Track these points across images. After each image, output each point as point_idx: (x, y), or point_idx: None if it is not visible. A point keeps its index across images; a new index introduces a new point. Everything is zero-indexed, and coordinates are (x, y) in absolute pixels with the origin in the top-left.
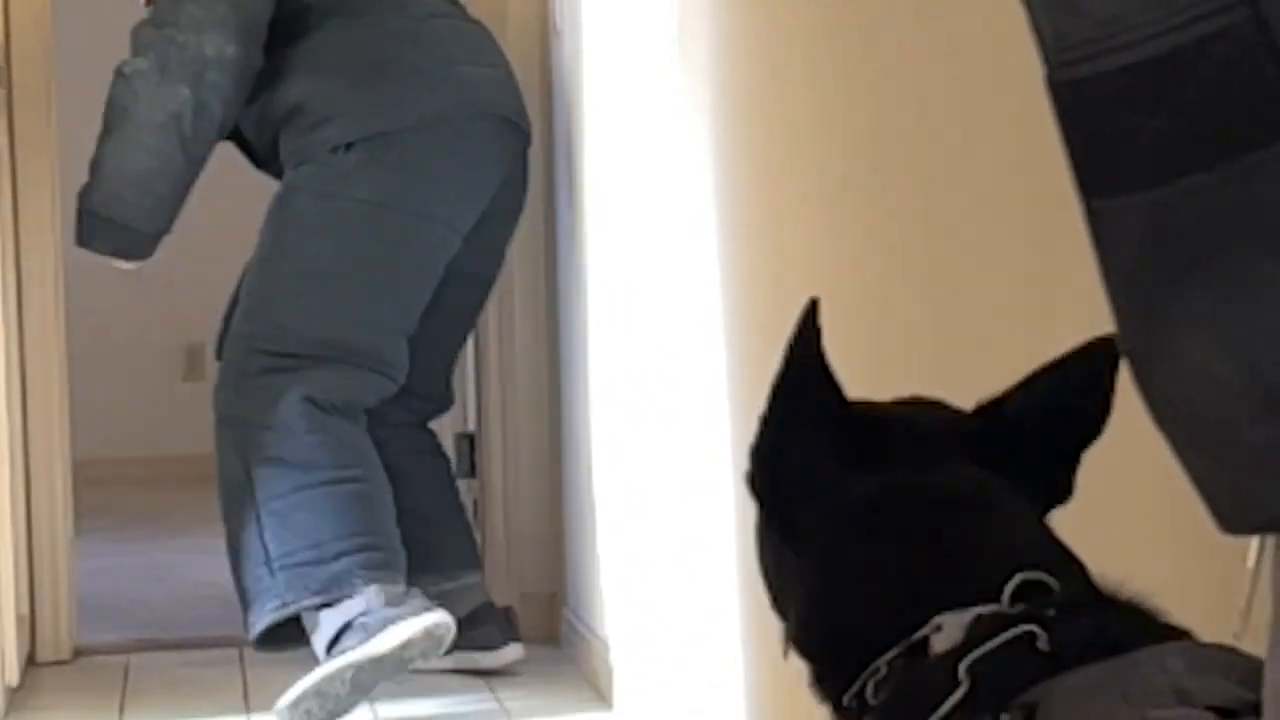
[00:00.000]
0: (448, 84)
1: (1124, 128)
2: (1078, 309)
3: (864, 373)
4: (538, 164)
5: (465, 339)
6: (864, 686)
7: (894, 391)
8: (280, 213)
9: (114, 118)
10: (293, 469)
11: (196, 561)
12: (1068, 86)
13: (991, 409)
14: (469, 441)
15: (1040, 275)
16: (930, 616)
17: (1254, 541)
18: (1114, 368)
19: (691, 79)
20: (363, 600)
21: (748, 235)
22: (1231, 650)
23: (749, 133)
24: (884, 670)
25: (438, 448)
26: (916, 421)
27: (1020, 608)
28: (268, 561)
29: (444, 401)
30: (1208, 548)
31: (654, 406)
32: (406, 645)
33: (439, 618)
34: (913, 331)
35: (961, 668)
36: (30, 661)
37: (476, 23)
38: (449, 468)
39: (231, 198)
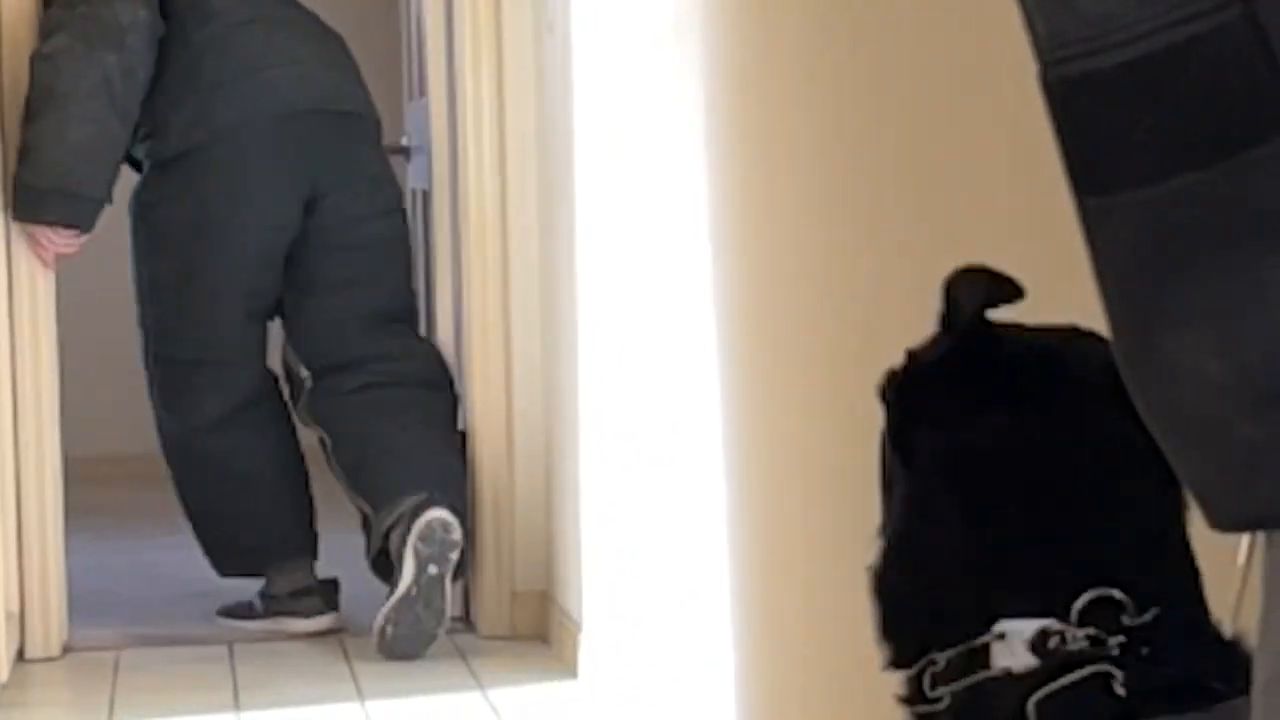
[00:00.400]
0: (250, 91)
1: (1117, 126)
2: (1072, 306)
3: (857, 369)
4: (531, 160)
5: (383, 297)
6: (921, 673)
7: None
8: (132, 227)
9: (40, 99)
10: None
11: (186, 559)
12: (1061, 84)
13: None
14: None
15: (1036, 274)
16: (995, 610)
17: (1244, 540)
18: None
19: (684, 75)
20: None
21: (740, 232)
22: None
23: (742, 128)
24: (942, 665)
25: (397, 385)
26: (1063, 357)
27: (1089, 632)
28: None
29: (381, 354)
30: (1202, 548)
31: (646, 405)
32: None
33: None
34: (907, 329)
35: (1030, 706)
36: (19, 658)
37: (307, 15)
38: (423, 400)
39: None
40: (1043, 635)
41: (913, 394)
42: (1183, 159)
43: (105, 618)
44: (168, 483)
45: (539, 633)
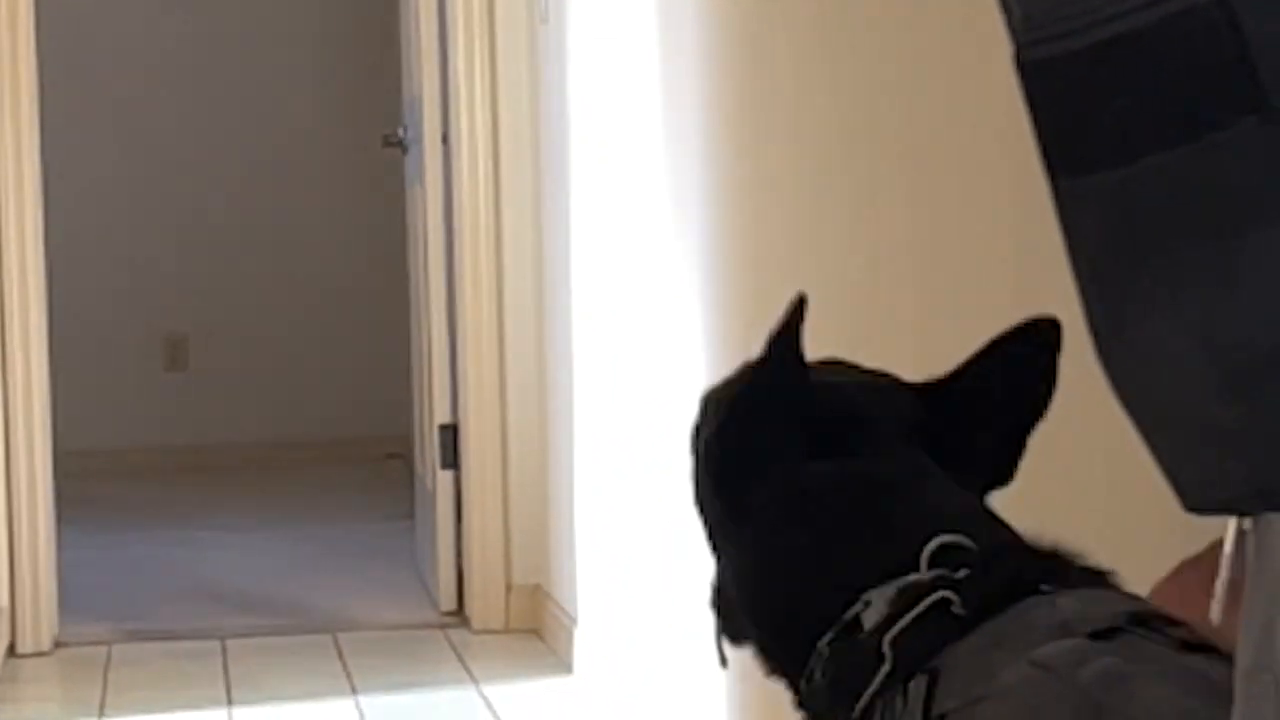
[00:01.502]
0: None
1: (1088, 107)
2: (1065, 296)
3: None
4: (526, 151)
5: None
6: (812, 671)
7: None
8: None
9: None
10: None
11: (178, 554)
12: (1034, 66)
13: (938, 388)
14: (451, 433)
15: (1026, 266)
16: (861, 585)
17: (1230, 526)
18: (1055, 349)
19: (677, 66)
20: None
21: (732, 224)
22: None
23: (737, 119)
24: (826, 652)
25: None
26: (871, 409)
27: (936, 573)
28: None
29: None
30: (1187, 537)
31: (641, 399)
32: None
33: None
34: (896, 322)
35: (885, 642)
36: (10, 653)
37: None
38: None
39: (215, 189)
40: (901, 592)
41: (743, 458)
42: (1151, 141)
43: (97, 613)
44: (160, 477)
45: (533, 627)
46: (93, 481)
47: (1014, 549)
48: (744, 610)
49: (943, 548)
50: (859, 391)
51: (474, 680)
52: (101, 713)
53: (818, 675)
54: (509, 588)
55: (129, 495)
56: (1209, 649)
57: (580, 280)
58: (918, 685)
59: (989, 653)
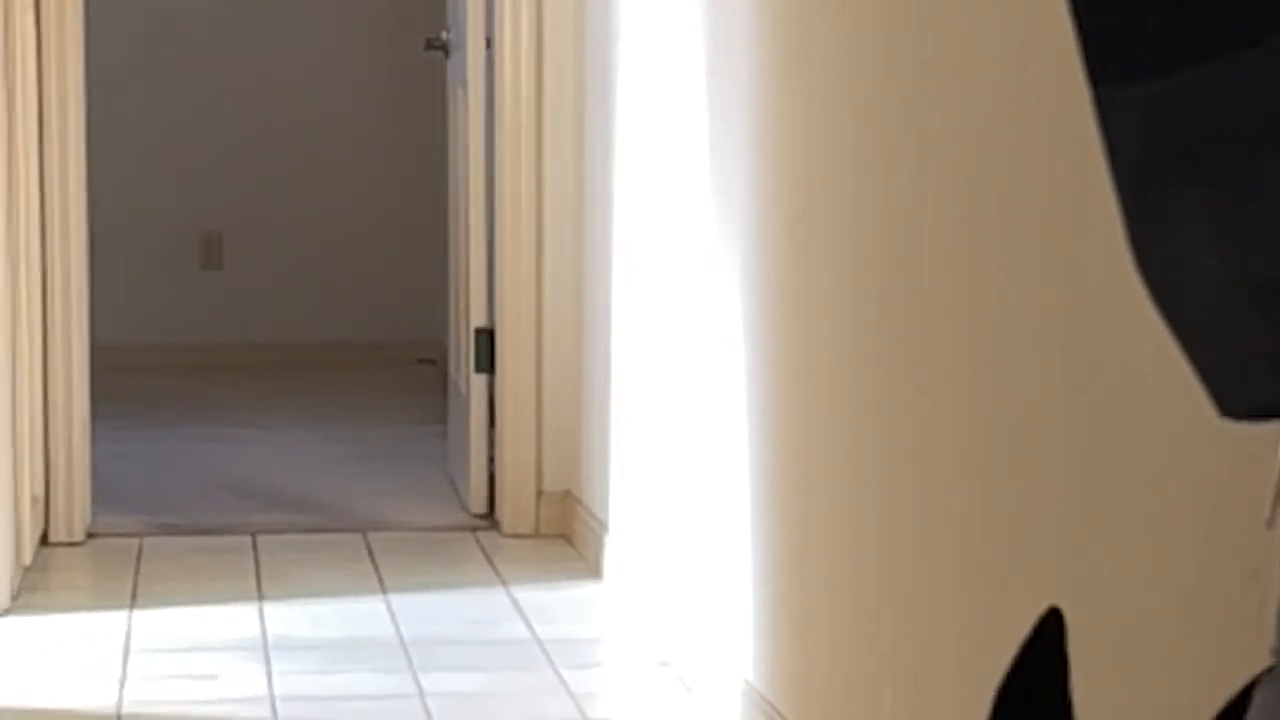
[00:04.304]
0: None
1: (1128, 19)
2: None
3: (877, 349)
4: (569, 56)
5: None
6: None
7: (922, 361)
8: None
9: None
10: None
11: (211, 450)
12: None
13: None
14: (488, 337)
15: (1078, 234)
16: None
17: None
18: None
19: (725, 31)
20: None
21: (778, 112)
22: None
23: (784, 62)
24: None
25: None
26: None
27: None
28: None
29: None
30: (1230, 547)
31: (676, 304)
32: None
33: None
34: (929, 277)
35: None
36: (43, 542)
37: None
38: None
39: (250, 87)
40: None
41: None
42: (1187, 54)
43: (129, 506)
44: (195, 373)
45: (563, 532)
46: (127, 377)
47: None
48: None
49: None
50: None
51: (503, 583)
52: (133, 603)
53: None
54: (540, 493)
55: (163, 391)
56: None
57: (621, 186)
58: None
59: None
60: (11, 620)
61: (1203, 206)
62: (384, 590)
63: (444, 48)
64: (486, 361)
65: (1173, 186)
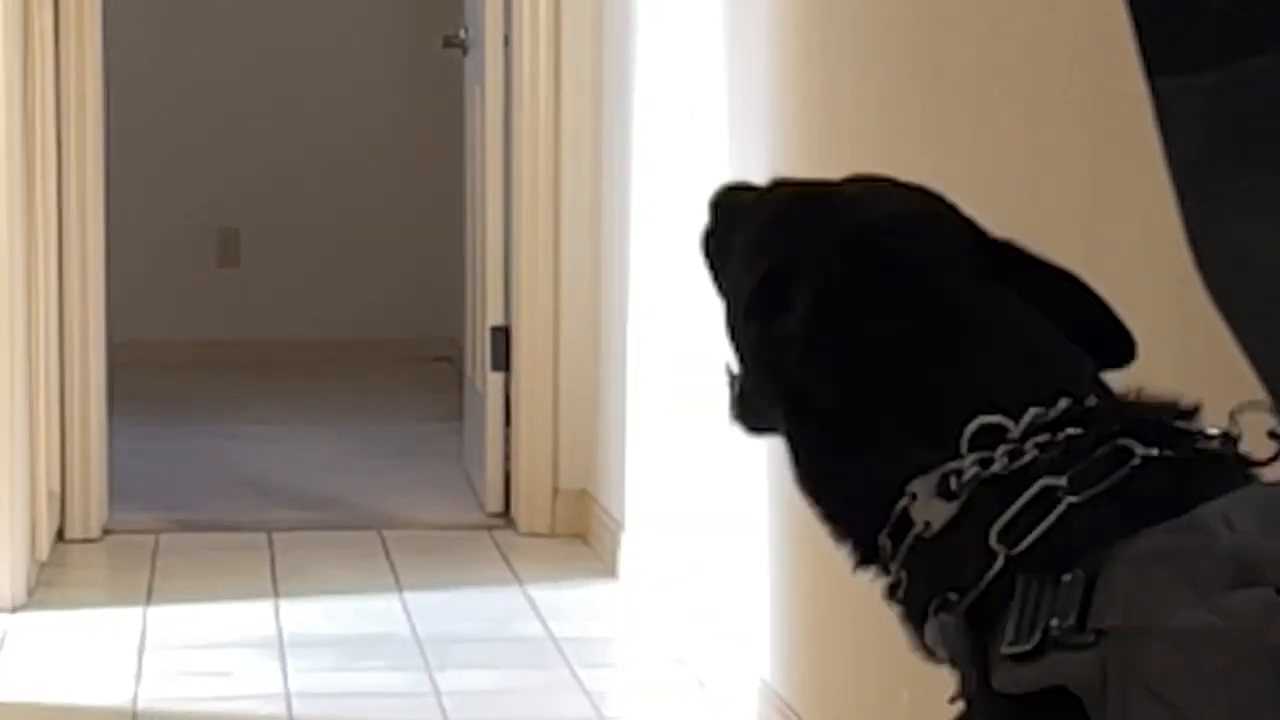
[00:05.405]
0: None
1: (1187, 9)
2: (1136, 245)
3: None
4: (587, 54)
5: None
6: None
7: None
8: None
9: None
10: None
11: (227, 447)
12: None
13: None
14: (504, 335)
15: (1101, 217)
16: (906, 475)
17: None
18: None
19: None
20: None
21: (795, 108)
22: None
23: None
24: (888, 546)
25: None
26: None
27: (978, 456)
28: None
29: None
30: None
31: (693, 303)
32: None
33: None
34: None
35: (993, 536)
36: (59, 538)
37: None
38: None
39: (268, 84)
40: (944, 480)
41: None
42: (1246, 44)
43: (145, 503)
44: (211, 370)
45: (579, 531)
46: (144, 373)
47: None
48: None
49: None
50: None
51: (519, 581)
52: (149, 599)
53: (900, 580)
54: (556, 491)
55: (179, 388)
56: None
57: (637, 184)
58: (1072, 583)
59: (1151, 570)
60: (28, 616)
61: (1262, 196)
62: (399, 588)
63: (462, 45)
64: (503, 360)
65: (1234, 175)
